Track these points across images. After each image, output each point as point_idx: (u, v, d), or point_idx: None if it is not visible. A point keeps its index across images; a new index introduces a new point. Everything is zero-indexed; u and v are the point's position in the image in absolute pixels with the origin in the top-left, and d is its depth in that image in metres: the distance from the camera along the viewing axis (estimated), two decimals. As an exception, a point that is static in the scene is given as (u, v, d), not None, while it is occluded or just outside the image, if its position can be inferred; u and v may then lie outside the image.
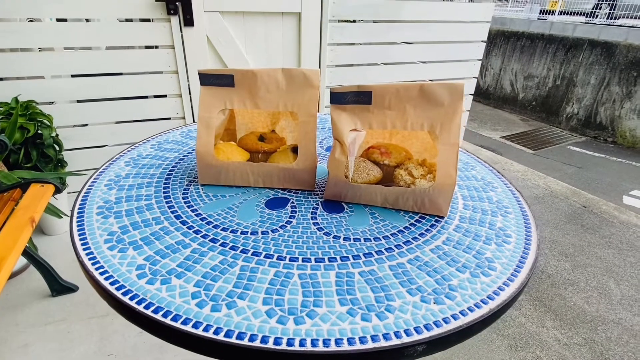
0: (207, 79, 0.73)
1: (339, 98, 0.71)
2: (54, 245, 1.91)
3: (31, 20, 1.81)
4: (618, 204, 2.90)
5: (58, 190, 1.44)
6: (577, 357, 1.51)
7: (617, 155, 4.33)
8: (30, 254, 1.54)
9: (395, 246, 0.65)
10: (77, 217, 0.67)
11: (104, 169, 0.85)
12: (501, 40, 6.15)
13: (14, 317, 1.51)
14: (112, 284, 0.53)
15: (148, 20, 1.94)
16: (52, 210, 1.61)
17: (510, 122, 5.43)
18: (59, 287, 1.62)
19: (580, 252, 2.18)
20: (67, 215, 1.89)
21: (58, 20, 1.91)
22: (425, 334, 0.49)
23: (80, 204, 0.71)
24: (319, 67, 2.38)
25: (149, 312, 0.49)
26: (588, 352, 1.54)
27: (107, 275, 0.55)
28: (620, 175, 3.74)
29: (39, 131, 1.74)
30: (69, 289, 1.64)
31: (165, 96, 2.12)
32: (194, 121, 2.22)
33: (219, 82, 0.74)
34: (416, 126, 0.71)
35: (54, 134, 1.84)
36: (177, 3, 1.90)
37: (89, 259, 0.58)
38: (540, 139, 4.76)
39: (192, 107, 2.17)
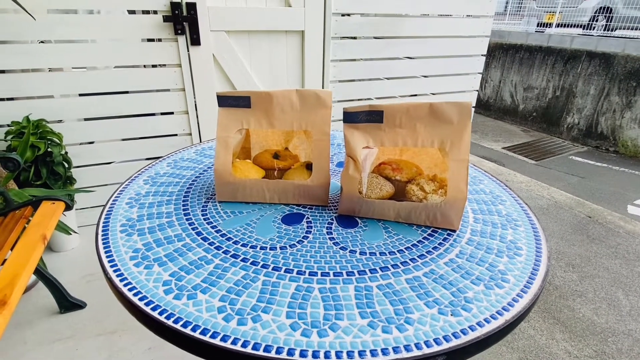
0: (225, 100, 0.76)
1: (352, 117, 0.74)
2: (62, 262, 1.92)
3: (42, 42, 1.86)
4: (623, 214, 2.91)
5: (68, 207, 1.46)
6: (588, 368, 1.51)
7: (619, 165, 4.35)
8: (39, 271, 1.55)
9: (410, 260, 0.67)
10: (102, 235, 0.69)
11: (124, 188, 0.87)
12: (500, 52, 6.23)
13: (22, 335, 1.51)
14: (140, 299, 0.55)
15: (156, 40, 1.99)
16: (61, 227, 1.63)
17: (511, 133, 5.47)
18: (67, 303, 1.63)
19: (587, 262, 2.18)
20: (75, 232, 1.91)
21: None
22: (445, 345, 0.50)
23: (104, 222, 0.73)
24: (322, 82, 2.43)
25: (178, 326, 0.51)
26: (599, 364, 1.54)
27: (135, 291, 0.57)
28: (623, 185, 3.75)
29: (49, 149, 1.77)
30: (77, 305, 1.65)
31: (172, 113, 2.16)
32: (199, 137, 2.26)
33: (237, 104, 0.77)
34: (426, 143, 0.73)
35: (63, 152, 1.87)
36: (184, 23, 1.96)
37: (117, 276, 0.60)
38: (542, 150, 4.80)
39: (198, 123, 2.21)
